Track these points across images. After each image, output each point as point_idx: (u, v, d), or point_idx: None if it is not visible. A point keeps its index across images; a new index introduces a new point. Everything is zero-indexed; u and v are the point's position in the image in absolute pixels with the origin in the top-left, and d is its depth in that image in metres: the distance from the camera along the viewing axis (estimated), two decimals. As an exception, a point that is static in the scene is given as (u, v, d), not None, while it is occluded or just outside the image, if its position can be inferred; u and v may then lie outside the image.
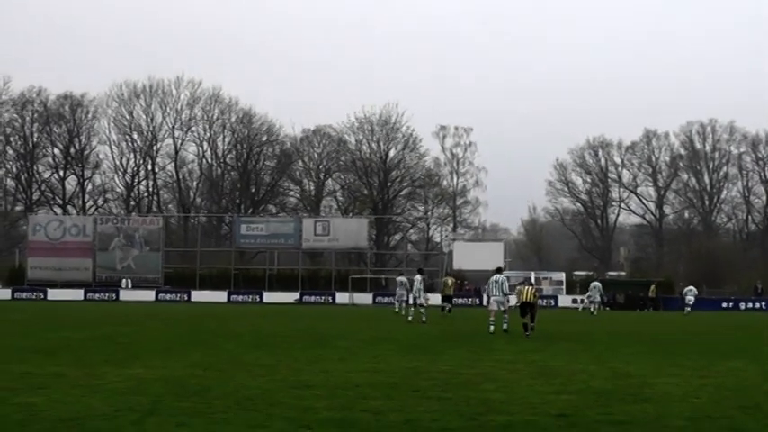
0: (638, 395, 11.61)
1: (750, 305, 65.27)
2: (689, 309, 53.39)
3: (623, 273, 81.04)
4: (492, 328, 25.86)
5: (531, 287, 26.59)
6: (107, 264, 76.81)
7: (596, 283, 52.39)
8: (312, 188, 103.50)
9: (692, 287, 56.16)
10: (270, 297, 70.89)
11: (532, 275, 70.67)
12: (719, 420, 9.56)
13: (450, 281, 43.01)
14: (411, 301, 34.88)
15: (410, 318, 32.95)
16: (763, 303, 64.80)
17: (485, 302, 30.77)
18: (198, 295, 71.28)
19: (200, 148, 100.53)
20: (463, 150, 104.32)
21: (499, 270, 28.72)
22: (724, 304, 66.69)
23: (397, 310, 40.53)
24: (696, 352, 19.65)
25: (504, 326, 26.20)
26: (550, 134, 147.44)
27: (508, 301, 27.04)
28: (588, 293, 52.40)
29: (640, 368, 15.37)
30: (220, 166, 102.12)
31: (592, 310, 49.69)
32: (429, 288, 46.13)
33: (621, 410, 10.18)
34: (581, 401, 10.92)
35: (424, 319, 32.14)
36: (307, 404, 10.44)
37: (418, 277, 34.62)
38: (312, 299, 71.36)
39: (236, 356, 16.93)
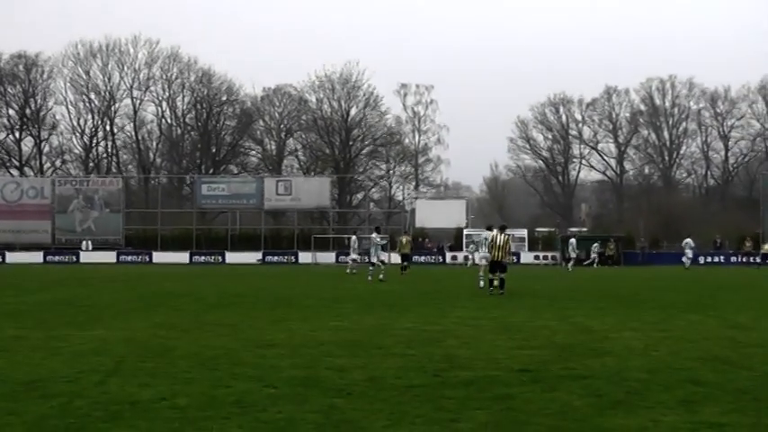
0: (599, 349, 11.77)
1: (710, 259, 66.20)
2: (688, 261, 54.23)
3: (585, 229, 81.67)
4: (482, 283, 26.49)
5: (504, 236, 25.01)
6: (66, 226, 76.04)
7: (573, 240, 53.43)
8: (273, 148, 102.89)
9: (689, 240, 56.43)
10: (232, 257, 70.68)
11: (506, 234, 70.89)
12: (679, 372, 9.71)
13: (404, 239, 43.11)
14: (368, 260, 34.74)
15: (369, 277, 32.88)
16: (722, 257, 65.77)
17: (476, 260, 30.91)
18: (159, 256, 70.93)
19: (159, 109, 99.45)
20: (424, 108, 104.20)
21: (490, 228, 28.92)
22: (683, 258, 67.57)
23: (348, 270, 40.77)
24: (656, 306, 19.92)
25: (480, 282, 26.91)
26: (512, 92, 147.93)
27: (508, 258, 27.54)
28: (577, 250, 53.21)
29: (602, 323, 15.57)
30: (180, 127, 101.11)
31: (569, 267, 50.41)
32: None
33: (583, 365, 10.31)
34: (543, 356, 11.04)
35: (381, 276, 32.26)
36: (270, 363, 10.46)
37: (374, 236, 34.68)
38: (275, 259, 71.29)
39: (199, 317, 16.89)
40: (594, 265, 50.94)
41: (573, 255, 52.31)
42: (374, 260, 33.56)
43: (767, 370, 9.86)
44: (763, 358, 10.77)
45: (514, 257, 67.60)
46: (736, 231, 69.43)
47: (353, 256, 42.58)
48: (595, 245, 53.86)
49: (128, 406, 7.89)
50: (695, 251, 57.47)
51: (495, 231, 25.71)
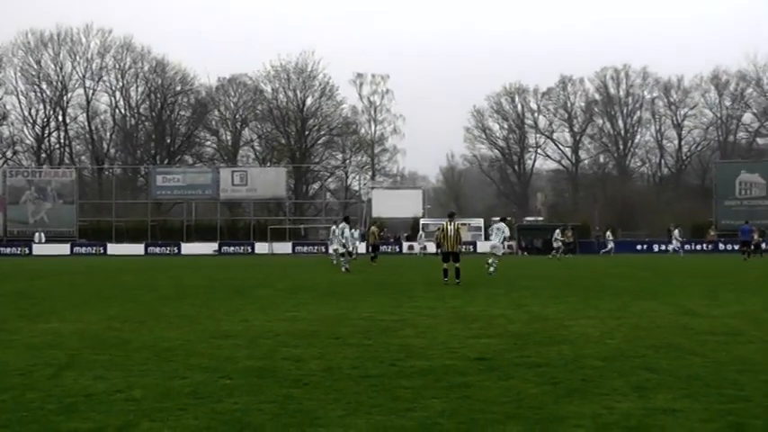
0: (554, 337, 11.86)
1: (663, 247, 67.11)
2: (681, 251, 55.10)
3: (541, 218, 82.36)
4: (491, 269, 28.83)
5: (454, 224, 25.04)
6: (18, 217, 75.08)
7: (557, 231, 53.98)
8: (229, 138, 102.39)
9: (678, 228, 57.23)
10: (188, 249, 70.36)
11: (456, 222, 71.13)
12: (633, 359, 9.83)
13: (375, 230, 43.43)
14: (341, 250, 33.78)
15: (344, 268, 32.14)
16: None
17: (490, 249, 31.41)
18: (114, 248, 70.35)
19: (112, 99, 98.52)
20: (380, 98, 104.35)
21: (503, 219, 31.84)
22: (639, 246, 68.51)
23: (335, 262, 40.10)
24: (612, 294, 20.13)
25: (491, 269, 28.78)
26: (468, 81, 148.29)
27: (504, 248, 29.99)
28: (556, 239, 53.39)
29: (557, 311, 15.70)
30: (134, 117, 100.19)
31: (558, 256, 50.99)
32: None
33: (539, 353, 10.39)
34: (499, 345, 11.11)
35: (347, 267, 32.09)
36: (226, 354, 10.42)
37: (344, 225, 34.01)
38: (231, 249, 71.08)
39: (155, 308, 16.76)
40: (558, 254, 51.00)
41: (557, 245, 52.64)
42: (343, 250, 33.16)
43: (718, 357, 10.01)
44: (715, 345, 10.94)
45: (471, 247, 68.12)
46: (689, 219, 70.47)
47: (335, 246, 41.53)
48: (557, 232, 54.14)
49: (82, 398, 7.81)
50: (683, 241, 58.12)
51: (446, 221, 25.65)
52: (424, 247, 59.95)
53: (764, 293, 20.30)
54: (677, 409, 7.20)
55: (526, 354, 10.29)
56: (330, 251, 41.27)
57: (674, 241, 56.05)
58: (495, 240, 30.03)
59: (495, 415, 7.02)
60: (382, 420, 6.89)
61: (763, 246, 55.15)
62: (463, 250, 23.38)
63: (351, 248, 33.26)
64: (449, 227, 24.96)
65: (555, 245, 53.12)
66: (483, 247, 68.84)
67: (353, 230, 34.20)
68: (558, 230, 54.72)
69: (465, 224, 73.81)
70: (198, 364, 9.69)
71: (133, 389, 8.23)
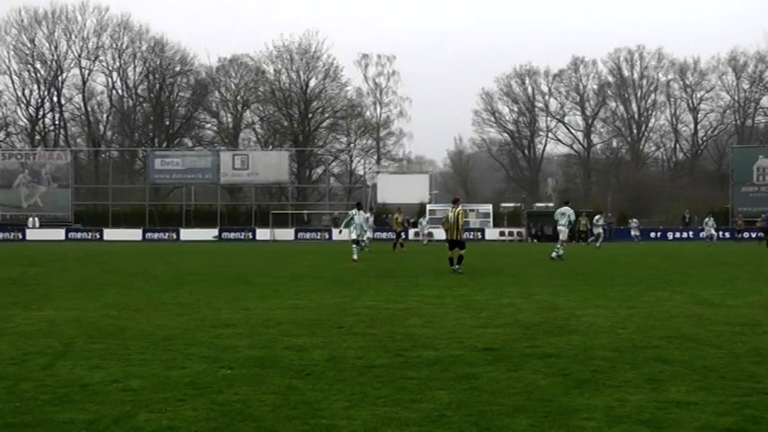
0: (565, 327, 11.87)
1: (678, 235, 67.04)
2: (712, 239, 54.32)
3: (551, 204, 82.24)
4: (554, 254, 30.96)
5: (456, 211, 24.91)
6: (12, 201, 75.17)
7: (599, 217, 53.50)
8: (230, 120, 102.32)
9: (710, 218, 56.67)
10: (187, 234, 70.41)
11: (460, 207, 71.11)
12: (646, 350, 9.83)
13: (399, 216, 43.81)
14: (354, 236, 32.35)
15: (354, 256, 30.93)
16: (690, 233, 66.55)
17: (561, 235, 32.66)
18: (111, 234, 70.40)
19: (109, 79, 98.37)
20: (386, 79, 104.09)
21: (567, 202, 33.13)
22: (652, 234, 68.40)
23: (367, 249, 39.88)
24: (623, 283, 20.13)
25: (553, 254, 30.68)
26: (477, 62, 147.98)
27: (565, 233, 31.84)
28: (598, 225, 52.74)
29: (568, 300, 15.71)
30: (132, 98, 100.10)
31: (598, 244, 49.79)
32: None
33: (549, 343, 10.40)
34: (508, 335, 11.12)
35: (355, 257, 30.93)
36: (227, 343, 10.44)
37: (354, 211, 32.65)
38: (231, 235, 71.09)
39: (153, 296, 16.80)
40: (599, 241, 49.86)
41: (597, 230, 51.85)
42: (364, 238, 32.52)
43: (734, 348, 10.01)
44: (731, 336, 10.94)
45: (479, 234, 68.12)
46: (705, 206, 70.36)
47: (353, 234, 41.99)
48: (597, 217, 53.06)
49: (77, 389, 7.83)
50: (715, 228, 57.71)
51: (451, 207, 25.69)
52: (430, 234, 59.92)
53: (782, 283, 20.27)
54: (692, 401, 7.21)
55: (536, 344, 10.30)
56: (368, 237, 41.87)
57: (707, 229, 55.45)
58: (561, 225, 32.04)
59: (503, 407, 7.03)
60: (387, 412, 6.90)
61: None
62: (469, 237, 23.47)
63: (361, 236, 32.40)
64: (450, 213, 25.05)
65: (595, 231, 52.25)
66: (491, 234, 68.96)
67: (368, 216, 33.48)
68: (599, 215, 53.77)
69: (468, 210, 73.93)
70: (197, 353, 9.71)
71: (130, 379, 8.25)
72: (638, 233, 61.61)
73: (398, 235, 42.72)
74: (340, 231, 32.09)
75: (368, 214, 34.11)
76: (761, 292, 17.61)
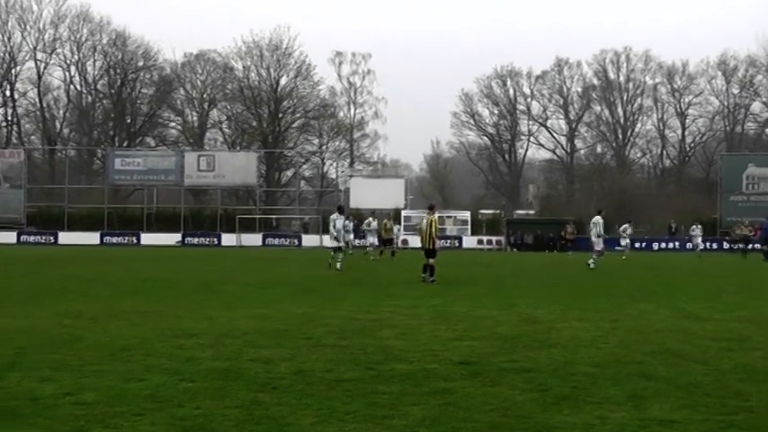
0: (544, 341, 11.91)
1: (664, 245, 67.43)
2: (700, 249, 54.09)
3: (532, 211, 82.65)
4: (591, 264, 32.04)
5: (429, 218, 25.14)
6: (-39, 202, 74.49)
7: (626, 226, 52.97)
8: (195, 119, 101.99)
9: (697, 225, 56.40)
10: (148, 239, 70.10)
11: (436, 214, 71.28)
12: (629, 366, 9.88)
13: (388, 223, 44.04)
14: (334, 244, 31.11)
15: (338, 264, 29.69)
16: (677, 243, 66.92)
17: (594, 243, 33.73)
18: (66, 237, 69.95)
19: (66, 73, 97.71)
20: (361, 79, 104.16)
21: (600, 212, 34.25)
22: (637, 244, 68.72)
23: (372, 257, 40.16)
24: (606, 294, 20.24)
25: (591, 263, 31.77)
26: (456, 63, 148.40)
27: (600, 243, 32.96)
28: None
29: (548, 312, 15.76)
30: (91, 94, 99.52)
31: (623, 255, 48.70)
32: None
33: (527, 357, 10.42)
34: (485, 348, 11.14)
35: (339, 266, 29.50)
36: (188, 354, 10.39)
37: (335, 216, 31.42)
38: (195, 241, 70.90)
39: (111, 304, 16.69)
40: (625, 252, 49.35)
41: (625, 242, 51.52)
42: (341, 245, 31.40)
43: (720, 364, 10.07)
44: (717, 352, 11.01)
45: (456, 242, 68.25)
46: (692, 215, 70.79)
47: (371, 239, 42.89)
48: (625, 226, 52.58)
49: (27, 402, 7.76)
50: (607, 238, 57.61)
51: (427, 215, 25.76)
52: (405, 241, 60.02)
53: (771, 297, 20.45)
54: (675, 420, 7.25)
55: (513, 358, 10.32)
56: (371, 242, 43.16)
57: (695, 239, 55.48)
58: (592, 235, 33.53)
59: (478, 424, 7.04)
60: (357, 428, 6.90)
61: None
62: (437, 245, 23.83)
63: (342, 243, 31.56)
64: (423, 221, 25.29)
65: (623, 242, 51.97)
66: (468, 242, 69.13)
67: (347, 222, 32.93)
68: (626, 225, 53.11)
69: (445, 217, 74.05)
70: (157, 364, 9.66)
71: (84, 392, 8.19)
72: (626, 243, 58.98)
73: (387, 242, 43.12)
74: (337, 240, 30.99)
75: (349, 220, 33.85)
76: (748, 305, 17.75)
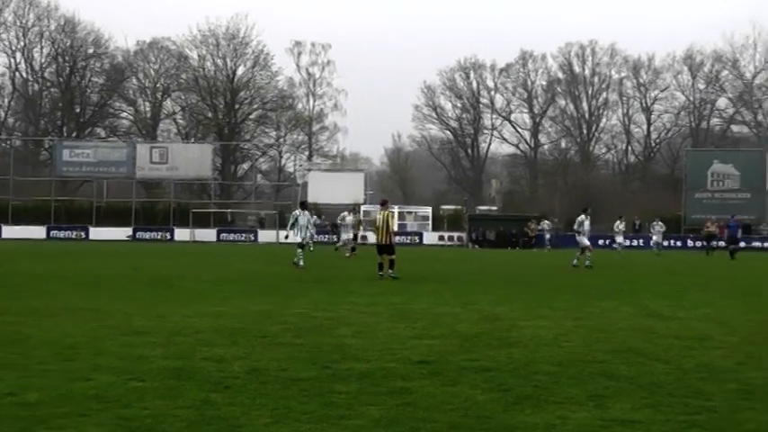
0: (505, 339, 11.96)
1: (628, 242, 67.91)
2: (659, 247, 54.15)
3: (495, 207, 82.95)
4: (587, 263, 32.19)
5: (384, 214, 25.30)
6: None
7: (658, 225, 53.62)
8: (148, 109, 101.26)
9: (658, 222, 56.21)
10: (98, 233, 69.51)
11: (395, 209, 71.53)
12: (591, 365, 9.95)
13: (356, 218, 44.09)
14: (297, 240, 30.68)
15: (301, 262, 29.40)
16: (641, 240, 67.42)
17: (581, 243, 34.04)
18: (10, 231, 69.16)
19: (12, 60, 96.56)
20: (320, 70, 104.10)
21: (584, 210, 34.54)
22: (601, 241, 69.20)
23: (347, 254, 39.72)
24: (569, 293, 20.36)
25: (587, 262, 32.30)
26: (419, 54, 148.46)
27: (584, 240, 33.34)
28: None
29: (510, 310, 15.83)
30: (38, 82, 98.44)
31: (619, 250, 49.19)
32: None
33: (488, 356, 10.46)
34: (445, 347, 11.16)
35: (301, 263, 29.30)
36: (139, 353, 10.32)
37: (298, 212, 31.12)
38: (147, 235, 70.47)
39: (59, 301, 16.53)
40: (659, 248, 49.62)
41: (658, 238, 52.13)
42: (304, 242, 30.78)
43: (683, 363, 10.17)
44: (680, 351, 11.12)
45: (416, 237, 68.35)
46: (656, 212, 71.49)
47: (345, 236, 42.48)
48: (617, 222, 52.71)
49: (-31, 402, 7.68)
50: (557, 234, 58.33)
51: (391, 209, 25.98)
52: (365, 237, 59.95)
53: (735, 295, 20.69)
54: (637, 420, 7.31)
55: (474, 357, 10.36)
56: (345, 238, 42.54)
57: (655, 236, 55.51)
58: (583, 234, 33.78)
59: (438, 424, 7.05)
60: (313, 429, 6.88)
61: (742, 244, 55.63)
62: (406, 240, 24.33)
63: (306, 239, 31.04)
64: (378, 216, 25.43)
65: (657, 238, 53.08)
66: (429, 238, 69.28)
67: (312, 218, 32.24)
68: (618, 221, 53.19)
69: (406, 212, 74.22)
70: (105, 363, 9.58)
71: (28, 392, 8.10)
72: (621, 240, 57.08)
73: (355, 237, 42.97)
74: (287, 236, 30.79)
75: (314, 215, 33.23)
76: (713, 304, 17.95)
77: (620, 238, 51.63)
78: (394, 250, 24.94)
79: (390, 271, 24.27)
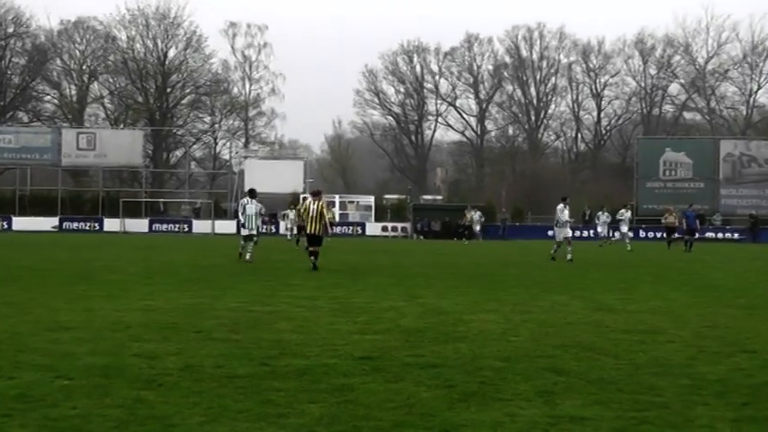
0: (451, 334, 12.02)
1: (578, 233, 68.53)
2: (604, 237, 54.04)
3: (440, 197, 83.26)
4: (569, 256, 31.37)
5: (317, 204, 25.80)
6: None
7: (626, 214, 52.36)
8: (74, 93, 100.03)
9: (603, 211, 55.98)
10: (21, 223, 68.61)
11: (336, 198, 71.53)
12: (539, 360, 10.03)
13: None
14: (244, 232, 29.95)
15: (248, 255, 28.70)
16: (591, 231, 68.01)
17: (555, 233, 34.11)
18: (-74, 221, 68.03)
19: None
20: (257, 52, 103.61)
21: (563, 199, 33.37)
22: (550, 232, 69.61)
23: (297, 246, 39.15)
24: (517, 285, 20.52)
25: (569, 256, 31.35)
26: (360, 36, 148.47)
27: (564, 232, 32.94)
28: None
29: (455, 304, 15.91)
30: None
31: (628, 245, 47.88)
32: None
33: (433, 351, 10.50)
34: (388, 342, 11.19)
35: (249, 256, 28.66)
36: (65, 349, 10.21)
37: (246, 201, 30.39)
38: (75, 225, 69.76)
39: (-22, 295, 16.33)
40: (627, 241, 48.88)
41: (623, 229, 51.02)
42: (252, 232, 29.65)
43: (634, 358, 10.29)
44: (630, 345, 11.25)
45: (359, 228, 68.37)
46: (607, 202, 72.24)
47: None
48: (599, 213, 52.61)
49: None
50: (519, 225, 58.48)
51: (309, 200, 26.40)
52: (292, 230, 59.86)
53: (687, 287, 20.98)
54: (587, 416, 7.38)
55: (418, 352, 10.40)
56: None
57: (600, 226, 55.39)
58: (563, 224, 33.18)
59: (381, 422, 7.07)
60: (250, 428, 6.87)
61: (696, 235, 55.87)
62: (330, 233, 25.14)
63: (252, 230, 29.66)
64: (312, 206, 25.75)
65: (602, 230, 53.16)
66: (372, 229, 69.38)
67: (259, 207, 31.11)
68: (600, 212, 53.08)
69: (347, 201, 74.22)
70: (28, 361, 9.48)
71: (-54, 391, 7.99)
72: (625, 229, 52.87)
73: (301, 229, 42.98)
74: (243, 226, 29.60)
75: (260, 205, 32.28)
76: (664, 296, 18.20)
77: (624, 228, 50.99)
78: (321, 242, 25.89)
79: (315, 264, 24.82)
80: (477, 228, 61.36)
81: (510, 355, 10.35)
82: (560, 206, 33.21)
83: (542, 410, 7.57)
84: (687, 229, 47.56)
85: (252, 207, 29.95)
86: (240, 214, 29.96)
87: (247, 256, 28.66)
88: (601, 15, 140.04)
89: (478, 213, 63.24)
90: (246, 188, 72.57)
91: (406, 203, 75.07)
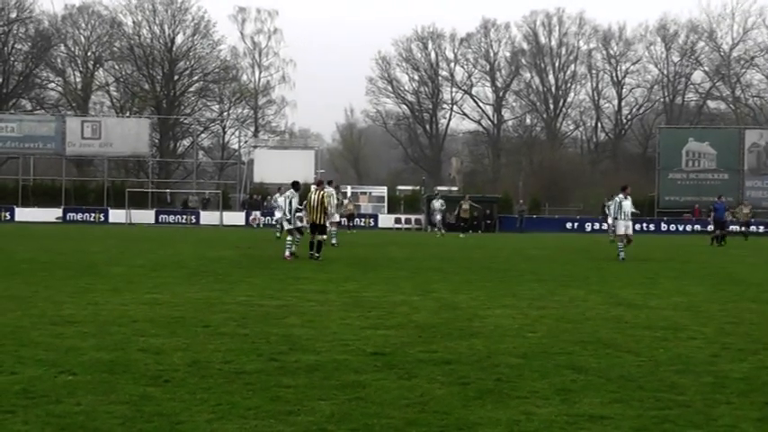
0: (466, 329, 12.02)
1: (597, 226, 68.37)
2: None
3: (455, 188, 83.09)
4: (622, 255, 28.87)
5: (319, 193, 26.91)
6: None
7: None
8: (78, 80, 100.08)
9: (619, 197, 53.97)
10: (24, 214, 68.80)
11: (348, 189, 71.46)
12: (557, 357, 10.02)
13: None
14: (287, 226, 28.51)
15: (288, 252, 26.92)
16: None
17: (608, 226, 33.76)
18: (-73, 212, 68.30)
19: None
20: (267, 38, 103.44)
21: (623, 189, 30.55)
22: (569, 224, 69.83)
23: (278, 235, 38.72)
24: (534, 280, 20.48)
25: (621, 254, 28.95)
26: (373, 22, 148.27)
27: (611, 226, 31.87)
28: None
29: (471, 299, 15.91)
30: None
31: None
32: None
33: (447, 347, 10.51)
34: (401, 338, 11.20)
35: (292, 250, 27.22)
36: (69, 344, 10.25)
37: (291, 193, 28.59)
38: (79, 217, 69.85)
39: (-20, 287, 16.39)
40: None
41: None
42: (298, 226, 28.53)
43: (655, 355, 10.27)
44: (651, 342, 11.23)
45: (371, 220, 68.34)
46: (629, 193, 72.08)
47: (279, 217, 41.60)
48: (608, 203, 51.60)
49: None
50: (536, 217, 57.87)
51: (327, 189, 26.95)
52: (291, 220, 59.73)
53: (711, 282, 20.91)
54: (606, 415, 7.38)
55: (432, 348, 10.40)
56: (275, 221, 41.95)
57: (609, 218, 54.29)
58: (617, 218, 30.41)
59: (393, 420, 7.08)
60: (259, 425, 6.88)
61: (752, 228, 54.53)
62: (334, 222, 26.20)
63: (296, 223, 28.33)
64: (313, 196, 26.43)
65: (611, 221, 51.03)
66: (385, 221, 69.34)
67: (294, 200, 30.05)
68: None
69: (359, 193, 74.15)
70: (31, 355, 9.51)
71: (-53, 386, 8.03)
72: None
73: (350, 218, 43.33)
74: (289, 222, 28.28)
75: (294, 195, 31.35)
76: (686, 292, 18.12)
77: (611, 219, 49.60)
78: (325, 231, 26.90)
79: (317, 254, 25.66)
80: (438, 217, 56.20)
81: (526, 351, 10.34)
82: (621, 196, 30.43)
83: (560, 409, 7.57)
84: (717, 222, 46.42)
85: (297, 200, 28.68)
86: (285, 207, 28.74)
87: (288, 251, 26.99)
88: (622, 0, 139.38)
89: (440, 201, 57.68)
90: (256, 179, 73.22)
91: (420, 195, 74.92)
